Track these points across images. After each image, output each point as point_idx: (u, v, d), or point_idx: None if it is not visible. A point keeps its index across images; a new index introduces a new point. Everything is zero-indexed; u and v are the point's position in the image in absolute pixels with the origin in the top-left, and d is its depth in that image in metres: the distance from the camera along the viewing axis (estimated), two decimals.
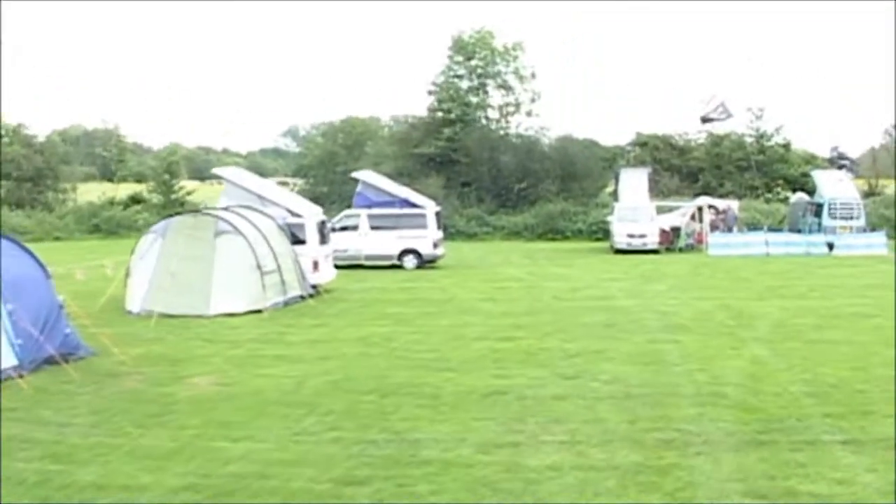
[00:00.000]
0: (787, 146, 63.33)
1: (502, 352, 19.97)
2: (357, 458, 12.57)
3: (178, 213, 29.80)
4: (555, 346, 20.56)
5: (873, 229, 47.24)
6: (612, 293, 30.01)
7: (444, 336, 22.16)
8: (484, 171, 58.60)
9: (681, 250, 46.54)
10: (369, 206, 39.59)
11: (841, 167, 55.32)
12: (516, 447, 12.91)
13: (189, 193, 65.12)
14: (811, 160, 63.70)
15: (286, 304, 27.59)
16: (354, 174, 42.91)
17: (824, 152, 68.36)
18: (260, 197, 30.83)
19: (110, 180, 70.82)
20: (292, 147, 69.90)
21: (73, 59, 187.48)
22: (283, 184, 68.91)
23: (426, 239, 38.96)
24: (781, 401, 15.14)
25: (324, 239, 31.64)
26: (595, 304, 27.44)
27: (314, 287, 29.69)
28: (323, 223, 31.93)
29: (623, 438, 13.19)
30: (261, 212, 29.32)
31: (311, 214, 31.34)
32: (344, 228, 39.41)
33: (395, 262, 38.90)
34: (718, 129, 62.55)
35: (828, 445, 12.74)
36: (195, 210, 32.74)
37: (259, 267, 26.63)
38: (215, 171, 36.23)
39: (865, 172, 65.76)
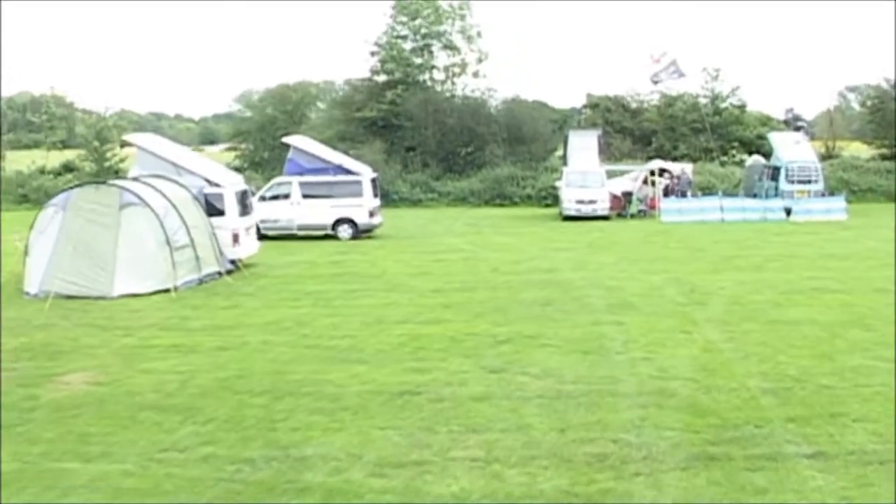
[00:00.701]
0: (742, 108, 61.33)
1: (425, 339, 17.70)
2: (226, 484, 10.36)
3: (79, 185, 27.15)
4: (484, 330, 18.34)
5: (832, 193, 45.36)
6: (556, 265, 27.83)
7: (365, 319, 19.86)
8: (429, 134, 56.12)
9: (632, 216, 44.47)
10: (301, 174, 37.14)
11: (798, 128, 53.46)
12: (419, 468, 10.69)
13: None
14: (767, 122, 61.86)
15: (201, 282, 25.27)
16: (285, 139, 40.38)
17: (779, 115, 66.88)
18: (175, 165, 28.35)
19: (62, 148, 67.43)
20: (245, 112, 66.84)
21: (22, 23, 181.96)
22: (232, 149, 66.29)
23: (362, 208, 36.59)
24: (737, 399, 13.01)
25: (245, 210, 29.19)
26: (536, 277, 25.24)
27: (234, 262, 27.29)
28: (244, 193, 29.47)
29: (549, 454, 11.01)
30: (175, 181, 26.88)
31: (231, 183, 28.86)
32: (275, 197, 36.98)
33: (330, 232, 36.50)
34: (672, 89, 60.52)
35: (792, 461, 10.63)
36: (99, 180, 30.03)
37: (169, 242, 24.31)
38: (126, 137, 33.66)
39: (821, 134, 63.91)
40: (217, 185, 28.16)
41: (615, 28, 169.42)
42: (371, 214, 36.86)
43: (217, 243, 26.93)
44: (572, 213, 43.17)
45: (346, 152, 55.90)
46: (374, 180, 37.85)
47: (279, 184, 37.44)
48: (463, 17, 59.41)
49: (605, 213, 43.16)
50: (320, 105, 67.41)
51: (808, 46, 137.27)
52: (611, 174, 47.99)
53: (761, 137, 56.83)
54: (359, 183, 36.66)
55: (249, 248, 29.15)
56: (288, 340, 17.93)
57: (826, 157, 56.25)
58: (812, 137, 55.29)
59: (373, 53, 59.93)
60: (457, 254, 31.17)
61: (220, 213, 27.65)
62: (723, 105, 60.61)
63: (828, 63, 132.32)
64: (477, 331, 18.26)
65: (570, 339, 17.28)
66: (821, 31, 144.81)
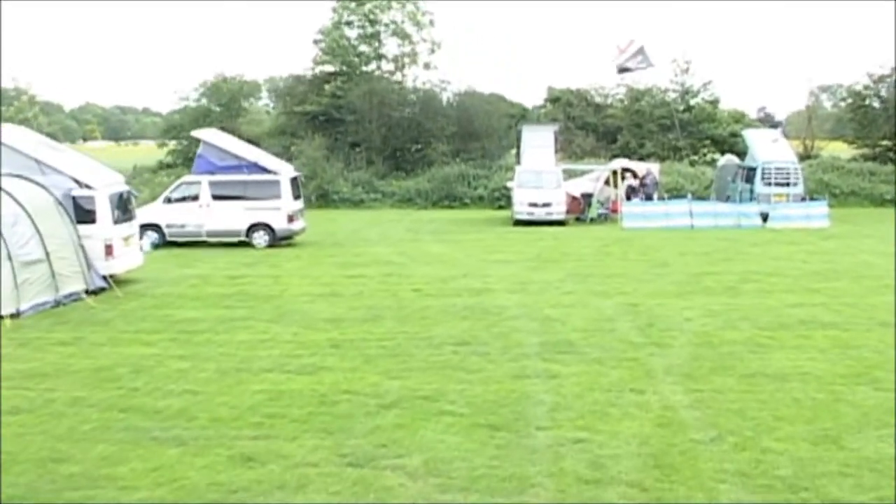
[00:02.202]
0: (714, 103, 56.79)
1: (285, 398, 13.09)
2: None
3: None
4: (370, 385, 13.71)
5: (812, 197, 40.97)
6: (491, 284, 23.22)
7: (223, 364, 15.21)
8: (373, 129, 51.30)
9: (592, 221, 39.94)
10: (212, 172, 32.38)
11: (775, 125, 49.02)
12: None
13: None
14: (740, 119, 57.39)
15: (57, 304, 20.74)
16: (194, 133, 35.59)
17: (752, 113, 62.61)
18: (38, 162, 23.65)
19: None
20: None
21: None
22: (163, 145, 61.40)
23: (280, 211, 31.85)
24: None
25: (125, 215, 24.50)
26: (462, 302, 20.61)
27: (108, 279, 22.64)
28: (124, 196, 24.76)
29: None
30: (35, 182, 22.23)
31: (106, 184, 24.13)
32: (182, 199, 32.25)
33: (245, 238, 31.71)
34: (639, 83, 55.97)
35: None
36: None
37: (11, 257, 19.64)
38: None
39: (795, 134, 59.42)
40: (88, 186, 23.47)
41: (582, 22, 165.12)
42: (291, 219, 32.10)
43: (85, 256, 22.28)
44: (524, 217, 38.59)
45: (286, 148, 51.64)
46: (294, 180, 33.13)
47: (187, 183, 32.69)
48: (413, 2, 54.55)
49: (561, 217, 38.59)
50: (262, 99, 62.51)
51: (778, 46, 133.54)
52: (570, 174, 43.65)
53: (735, 135, 52.43)
54: (276, 183, 31.94)
55: (129, 260, 24.52)
56: (105, 399, 13.26)
57: (804, 157, 51.91)
58: (789, 137, 50.84)
59: (316, 42, 55.04)
60: (380, 268, 26.50)
61: (91, 219, 22.99)
62: (694, 100, 56.06)
63: (798, 63, 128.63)
64: (359, 387, 13.60)
65: (479, 402, 12.65)
66: (791, 31, 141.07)
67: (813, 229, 36.01)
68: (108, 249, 23.33)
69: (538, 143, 40.74)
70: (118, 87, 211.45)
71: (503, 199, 45.41)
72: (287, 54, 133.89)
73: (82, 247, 22.39)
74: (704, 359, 14.97)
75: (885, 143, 53.61)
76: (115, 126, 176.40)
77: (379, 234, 35.82)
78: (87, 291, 21.90)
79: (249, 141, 53.95)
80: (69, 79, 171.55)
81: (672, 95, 56.12)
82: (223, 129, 54.15)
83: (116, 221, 23.87)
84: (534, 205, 38.55)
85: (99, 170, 25.30)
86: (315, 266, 27.08)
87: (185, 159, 55.66)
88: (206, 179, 32.12)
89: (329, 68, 54.47)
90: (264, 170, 32.27)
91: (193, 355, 15.93)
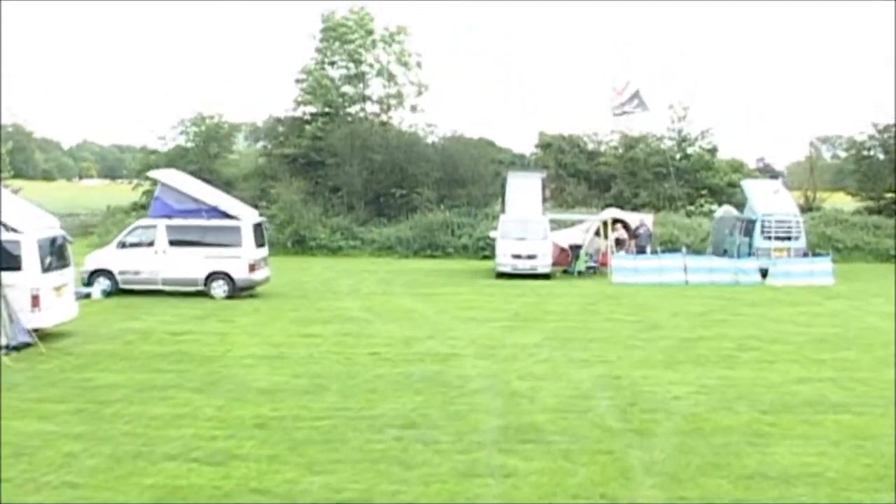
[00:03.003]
0: (713, 151, 54.39)
1: (178, 497, 10.56)
2: None
3: None
4: (284, 483, 11.48)
5: (815, 252, 38.55)
6: (459, 348, 20.75)
7: (123, 447, 12.87)
8: (354, 173, 48.82)
9: (580, 274, 37.46)
10: (169, 216, 29.95)
11: (775, 176, 46.74)
12: None
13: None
14: (739, 168, 54.93)
15: None
16: (151, 173, 33.26)
17: (750, 163, 60.36)
18: None
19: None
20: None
21: None
22: (139, 186, 58.90)
23: (240, 259, 29.39)
24: None
25: (59, 262, 22.11)
26: (421, 370, 18.16)
27: (31, 333, 20.24)
28: (57, 240, 22.40)
29: None
30: None
31: (36, 228, 21.74)
32: (137, 244, 29.84)
33: (202, 288, 29.24)
34: (633, 129, 53.61)
35: None
36: None
37: None
38: None
39: (797, 184, 57.09)
40: (13, 229, 21.09)
41: (576, 65, 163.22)
42: (252, 268, 29.64)
43: (7, 307, 19.86)
44: (507, 269, 36.14)
45: (264, 191, 49.30)
46: (258, 226, 30.73)
47: (142, 227, 30.30)
48: (400, 42, 52.38)
49: (547, 269, 36.13)
50: (241, 140, 60.24)
51: (777, 96, 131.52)
52: (560, 224, 41.23)
53: (733, 185, 50.04)
54: (237, 229, 29.52)
55: (61, 312, 22.13)
56: None
57: (806, 209, 49.60)
58: (787, 188, 48.49)
59: (298, 81, 52.79)
60: (341, 325, 24.03)
61: (17, 266, 20.63)
62: (691, 148, 53.71)
63: (796, 113, 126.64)
64: (271, 484, 11.31)
65: None
66: (790, 81, 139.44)
67: (816, 287, 33.57)
68: (35, 300, 20.95)
69: (524, 190, 38.37)
70: (116, 126, 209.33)
71: (488, 249, 42.94)
72: (269, 96, 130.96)
73: (4, 297, 19.94)
74: (693, 452, 12.49)
75: (889, 195, 51.31)
76: (113, 164, 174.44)
77: (350, 286, 33.34)
78: (7, 347, 19.43)
79: (227, 183, 51.96)
80: (68, 116, 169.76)
81: (668, 143, 53.80)
82: (200, 169, 52.37)
83: (46, 269, 21.50)
84: (517, 256, 36.13)
85: (29, 211, 22.93)
86: (270, 322, 24.60)
87: None
88: (162, 223, 29.77)
89: (311, 109, 52.11)
90: (225, 214, 29.89)
91: (91, 434, 13.49)
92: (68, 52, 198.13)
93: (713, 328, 23.88)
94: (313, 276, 36.64)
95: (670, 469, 11.78)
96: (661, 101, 58.89)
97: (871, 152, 53.00)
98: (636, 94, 46.21)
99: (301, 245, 46.05)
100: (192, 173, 51.74)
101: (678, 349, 20.65)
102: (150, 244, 29.70)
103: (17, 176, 64.65)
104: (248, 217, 30.46)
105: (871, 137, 52.88)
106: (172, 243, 29.57)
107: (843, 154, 59.31)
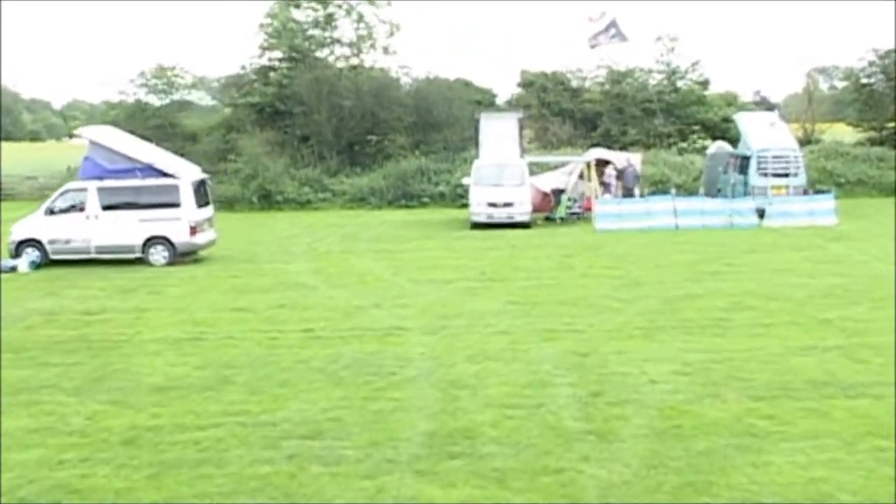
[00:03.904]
0: (704, 84, 51.17)
1: None
2: None
3: None
4: None
5: (816, 190, 35.54)
6: (405, 320, 17.89)
7: None
8: (322, 121, 45.73)
9: (562, 221, 34.59)
10: (101, 177, 26.95)
11: (771, 108, 43.55)
12: None
13: None
14: (733, 102, 51.62)
15: None
16: (79, 130, 30.26)
17: (747, 96, 57.05)
18: None
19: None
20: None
21: None
22: None
23: (180, 222, 26.44)
24: None
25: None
26: (354, 352, 15.33)
27: None
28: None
29: None
30: None
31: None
32: (67, 209, 26.96)
33: (140, 255, 26.34)
34: (619, 64, 50.35)
35: None
36: None
37: None
38: None
39: (794, 117, 53.61)
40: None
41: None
42: (194, 231, 26.68)
43: None
44: (482, 219, 33.24)
45: (229, 143, 46.21)
46: (201, 183, 27.75)
47: (72, 191, 27.32)
48: None
49: (526, 218, 33.22)
50: (206, 92, 56.98)
51: (772, 25, 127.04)
52: (544, 167, 38.34)
53: (727, 120, 46.84)
54: (175, 188, 26.55)
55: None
56: None
57: (804, 142, 46.56)
58: (784, 120, 45.27)
59: (262, 26, 49.45)
60: (282, 294, 21.17)
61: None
62: (681, 82, 50.50)
63: (793, 43, 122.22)
64: None
65: None
66: (785, 9, 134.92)
67: (818, 228, 30.68)
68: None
69: (499, 133, 35.31)
70: (107, 83, 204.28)
71: (466, 197, 39.86)
72: (237, 45, 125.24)
73: None
74: (667, 466, 9.66)
75: (892, 125, 48.20)
76: (101, 122, 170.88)
77: (308, 244, 30.45)
78: None
79: (191, 137, 48.97)
80: (58, 75, 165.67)
81: (657, 77, 50.59)
82: (163, 124, 49.31)
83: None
84: (493, 205, 33.21)
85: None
86: (202, 293, 21.73)
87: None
88: (93, 185, 26.80)
89: (276, 55, 48.82)
90: (162, 173, 26.86)
91: None
92: (56, 9, 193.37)
93: (703, 282, 21.01)
94: (273, 234, 33.79)
95: (634, 493, 8.93)
96: (649, 32, 55.25)
97: (872, 79, 49.77)
98: (613, 24, 42.85)
99: (267, 200, 43.25)
100: (155, 128, 49.24)
101: (660, 312, 17.78)
102: (82, 209, 26.73)
103: (6, 138, 61.71)
104: (188, 174, 27.46)
105: (871, 64, 49.70)
106: (105, 207, 26.69)
107: (840, 85, 55.98)
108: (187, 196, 26.65)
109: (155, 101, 51.66)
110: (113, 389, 13.51)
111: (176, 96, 52.34)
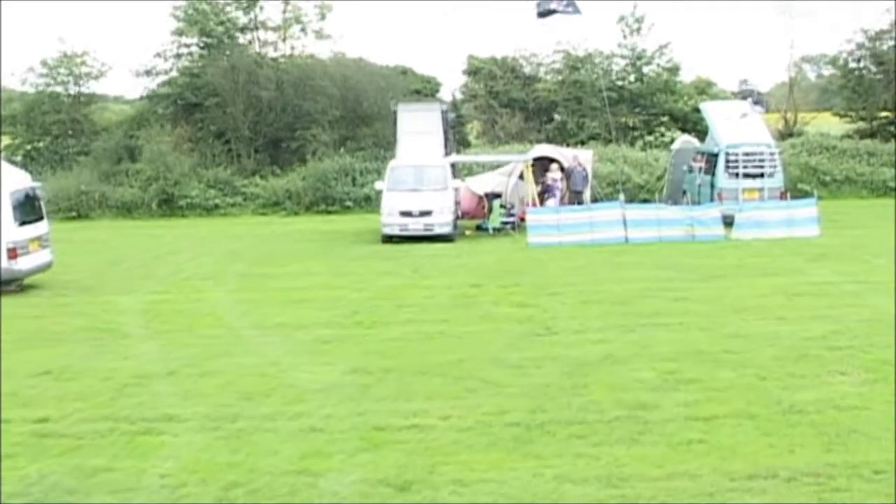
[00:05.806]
0: (673, 70, 45.42)
1: None
2: None
3: None
4: None
5: (805, 194, 30.04)
6: (189, 402, 12.29)
7: None
8: (237, 114, 40.12)
9: (496, 232, 29.07)
10: None
11: (745, 96, 37.93)
12: None
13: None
14: (706, 90, 45.92)
15: None
16: None
17: (729, 86, 51.14)
18: None
19: None
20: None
21: None
22: None
23: None
24: None
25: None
26: (63, 476, 9.64)
27: None
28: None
29: None
30: None
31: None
32: None
33: None
34: (577, 48, 44.61)
35: None
36: None
37: None
38: None
39: (777, 106, 47.92)
40: None
41: None
42: (13, 254, 21.08)
43: None
44: (395, 231, 27.77)
45: (132, 140, 40.91)
46: (28, 196, 22.16)
47: None
48: None
49: (448, 229, 27.74)
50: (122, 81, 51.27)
51: (757, 17, 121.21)
52: (485, 167, 32.92)
53: (699, 111, 41.17)
54: None
55: None
56: None
57: (786, 135, 41.09)
58: (768, 110, 39.73)
59: (175, 8, 43.66)
60: (75, 347, 15.73)
61: None
62: (647, 67, 44.85)
63: (778, 34, 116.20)
64: None
65: None
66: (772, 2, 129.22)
67: (797, 241, 25.26)
68: None
69: (418, 128, 29.65)
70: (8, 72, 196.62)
71: None
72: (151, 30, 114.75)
73: None
74: None
75: (885, 114, 42.71)
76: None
77: (178, 266, 24.95)
78: None
79: (95, 133, 43.34)
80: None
81: (620, 63, 44.98)
82: (68, 119, 43.66)
83: None
84: (407, 214, 27.67)
85: None
86: None
87: (27, 156, 44.60)
88: None
89: (187, 40, 43.12)
90: None
91: None
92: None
93: (634, 332, 15.48)
94: (150, 249, 28.31)
95: None
96: (612, 14, 49.23)
97: (861, 63, 44.23)
98: None
99: (169, 205, 37.79)
100: (56, 123, 43.65)
101: (557, 391, 12.22)
102: None
103: None
104: (7, 183, 21.79)
105: (861, 46, 44.14)
106: None
107: (827, 73, 50.48)
108: (5, 212, 21.06)
109: (62, 91, 45.68)
110: None
111: (85, 88, 46.36)
